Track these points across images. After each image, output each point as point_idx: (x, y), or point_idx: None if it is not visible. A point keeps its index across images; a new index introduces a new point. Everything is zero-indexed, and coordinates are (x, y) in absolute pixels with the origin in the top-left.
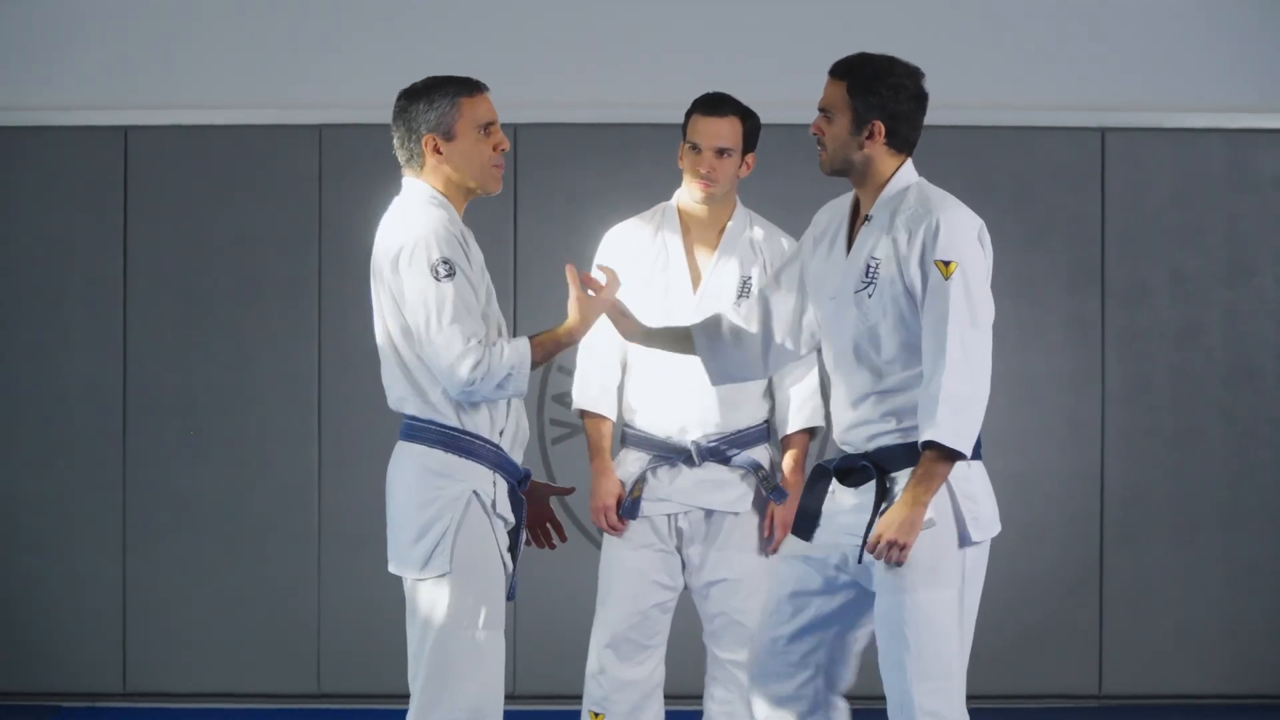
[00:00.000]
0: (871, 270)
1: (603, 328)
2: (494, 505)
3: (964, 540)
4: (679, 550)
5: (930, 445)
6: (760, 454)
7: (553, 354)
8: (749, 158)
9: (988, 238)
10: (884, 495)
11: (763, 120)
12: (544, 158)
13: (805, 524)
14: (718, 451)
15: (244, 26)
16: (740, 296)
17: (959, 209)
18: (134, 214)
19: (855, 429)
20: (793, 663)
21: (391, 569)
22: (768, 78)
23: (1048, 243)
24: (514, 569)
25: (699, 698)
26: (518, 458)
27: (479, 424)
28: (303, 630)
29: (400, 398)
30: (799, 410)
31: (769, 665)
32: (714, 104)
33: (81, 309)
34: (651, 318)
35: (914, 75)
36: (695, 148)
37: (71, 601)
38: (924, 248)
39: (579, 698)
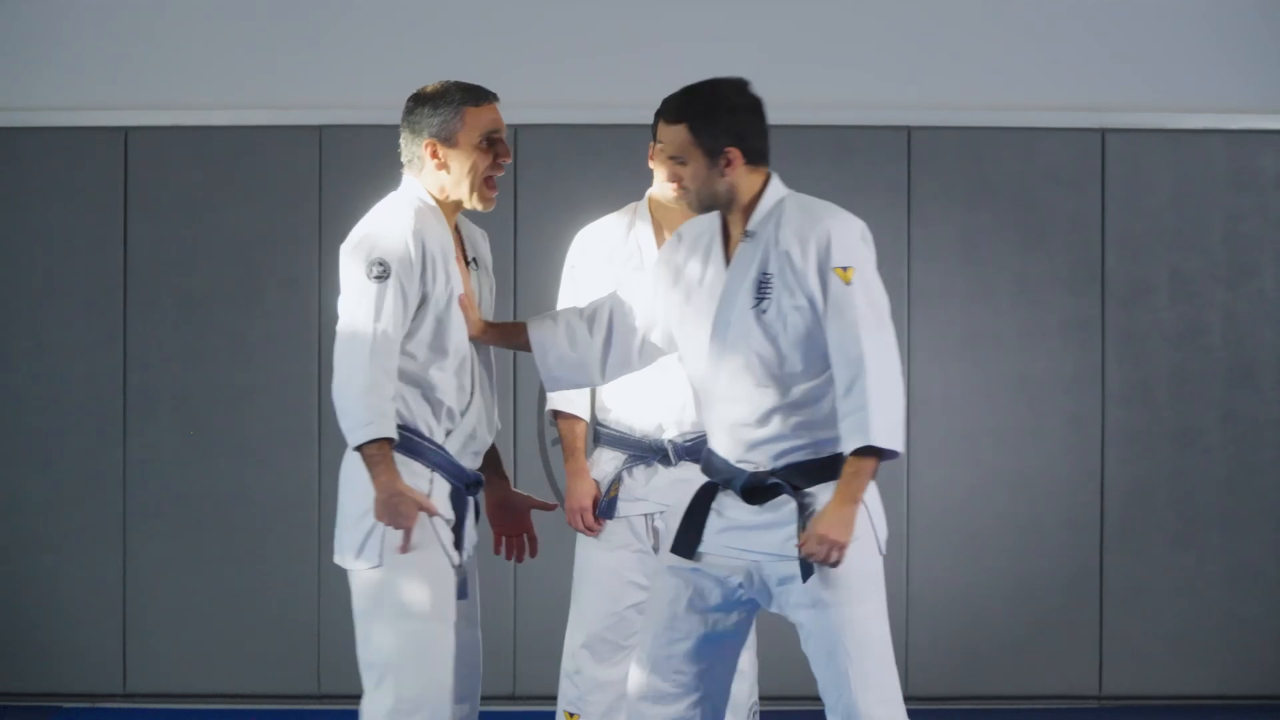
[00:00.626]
0: (764, 286)
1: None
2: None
3: (876, 552)
4: (655, 550)
5: (865, 451)
6: None
7: (372, 469)
8: (667, 163)
9: (870, 237)
10: (803, 511)
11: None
12: (544, 158)
13: (688, 542)
14: (694, 450)
15: (244, 27)
16: None
17: (843, 214)
18: (134, 214)
19: (760, 447)
20: (685, 682)
21: (335, 559)
22: (768, 78)
23: (1048, 243)
24: (462, 565)
25: None
26: (469, 462)
27: (424, 424)
28: (303, 631)
29: None
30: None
31: (661, 685)
32: None
33: (81, 309)
34: None
35: (741, 88)
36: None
37: (71, 602)
38: (820, 257)
39: None
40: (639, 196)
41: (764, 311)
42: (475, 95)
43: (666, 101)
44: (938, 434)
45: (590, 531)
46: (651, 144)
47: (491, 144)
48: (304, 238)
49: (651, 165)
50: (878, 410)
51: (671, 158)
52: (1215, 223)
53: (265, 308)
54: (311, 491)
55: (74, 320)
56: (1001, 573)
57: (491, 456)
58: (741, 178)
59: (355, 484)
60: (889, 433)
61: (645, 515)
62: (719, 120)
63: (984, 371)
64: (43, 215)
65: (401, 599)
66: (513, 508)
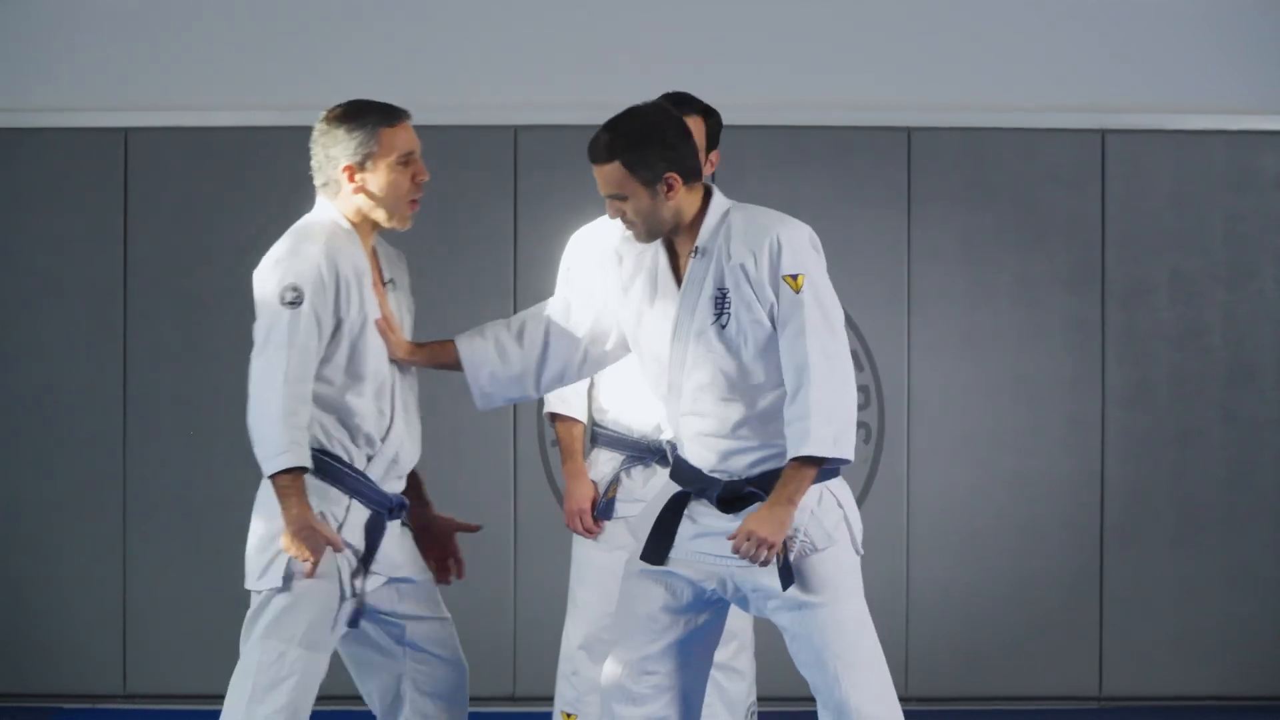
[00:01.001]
0: (722, 302)
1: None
2: (339, 530)
3: (854, 554)
4: None
5: (805, 459)
6: None
7: (283, 497)
8: (713, 155)
9: (819, 243)
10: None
11: (763, 121)
12: (544, 158)
13: (659, 549)
14: None
15: (243, 28)
16: None
17: (791, 222)
18: (134, 215)
19: (734, 457)
20: (659, 683)
21: (245, 584)
22: (767, 79)
23: (1048, 244)
24: (355, 595)
25: None
26: (392, 487)
27: (342, 449)
28: None
29: None
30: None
31: (634, 688)
32: (677, 103)
33: (81, 310)
34: None
35: (663, 113)
36: None
37: (71, 603)
38: (771, 266)
39: None
40: None
41: (724, 327)
42: (390, 116)
43: (593, 143)
44: (938, 434)
45: (589, 533)
46: None
47: (407, 164)
48: None
49: None
50: (820, 419)
51: (612, 196)
52: (1215, 223)
53: None
54: None
55: (74, 320)
56: (1001, 573)
57: (413, 480)
58: (683, 199)
59: (265, 509)
60: (830, 442)
61: None
62: (650, 150)
63: (984, 372)
64: (43, 216)
65: (287, 623)
66: (434, 533)
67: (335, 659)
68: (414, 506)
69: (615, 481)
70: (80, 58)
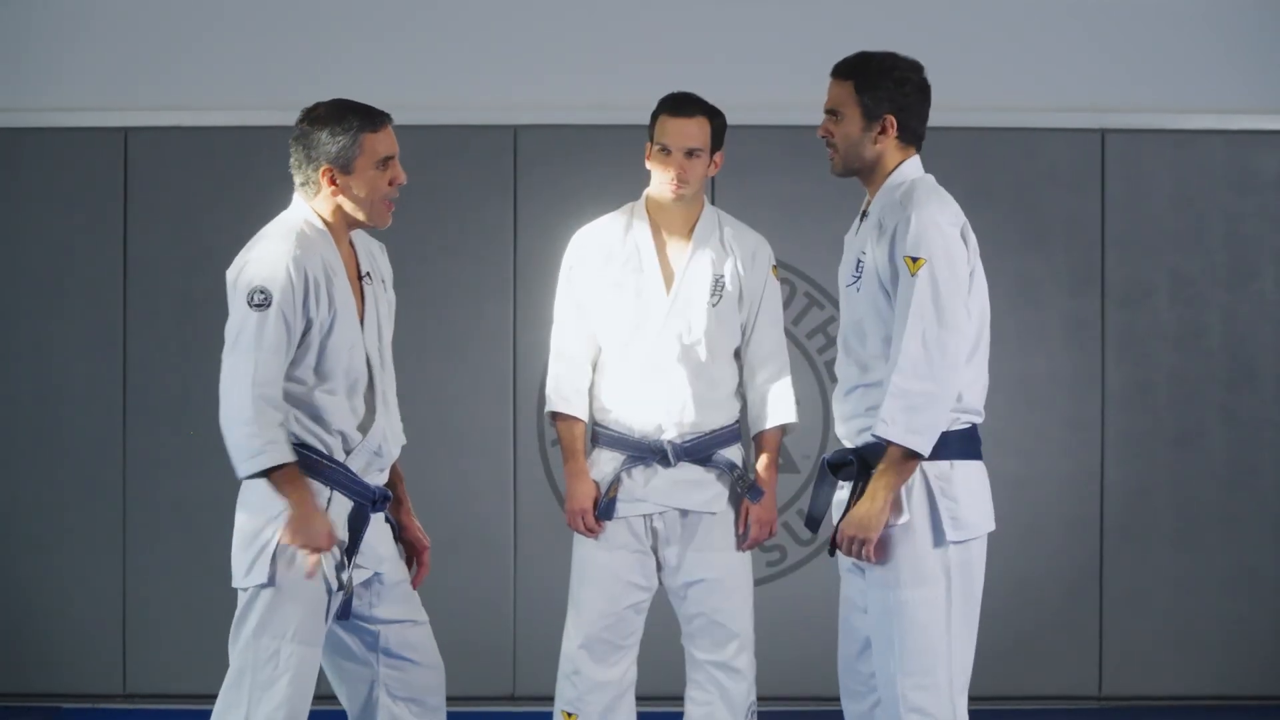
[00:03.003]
0: (860, 264)
1: (572, 331)
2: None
3: (940, 539)
4: (654, 551)
5: (887, 441)
6: (734, 453)
7: (284, 490)
8: (717, 156)
9: (972, 236)
10: (863, 490)
11: (764, 122)
12: (544, 158)
13: (812, 521)
14: (694, 451)
15: (244, 28)
16: (713, 296)
17: (936, 206)
18: (134, 216)
19: (846, 423)
20: (864, 680)
21: (232, 582)
22: (766, 78)
23: (1048, 244)
24: (343, 588)
25: (672, 699)
26: (374, 478)
27: (324, 442)
28: None
29: None
30: (771, 407)
31: (845, 682)
32: (681, 104)
33: (81, 310)
34: (624, 320)
35: (916, 68)
36: (665, 149)
37: (71, 603)
38: (895, 243)
39: None
40: (639, 197)
41: (856, 290)
42: (372, 120)
43: (845, 59)
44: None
45: (590, 533)
46: (647, 144)
47: (386, 167)
48: None
49: (648, 165)
50: (900, 404)
51: (829, 111)
52: (1215, 224)
53: None
54: None
55: (74, 320)
56: (1001, 573)
57: (396, 476)
58: (890, 151)
59: (248, 506)
60: (905, 428)
61: (644, 516)
62: (885, 86)
63: None
64: (42, 216)
65: (277, 619)
66: (410, 539)
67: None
68: (395, 510)
69: (616, 481)
70: (80, 57)
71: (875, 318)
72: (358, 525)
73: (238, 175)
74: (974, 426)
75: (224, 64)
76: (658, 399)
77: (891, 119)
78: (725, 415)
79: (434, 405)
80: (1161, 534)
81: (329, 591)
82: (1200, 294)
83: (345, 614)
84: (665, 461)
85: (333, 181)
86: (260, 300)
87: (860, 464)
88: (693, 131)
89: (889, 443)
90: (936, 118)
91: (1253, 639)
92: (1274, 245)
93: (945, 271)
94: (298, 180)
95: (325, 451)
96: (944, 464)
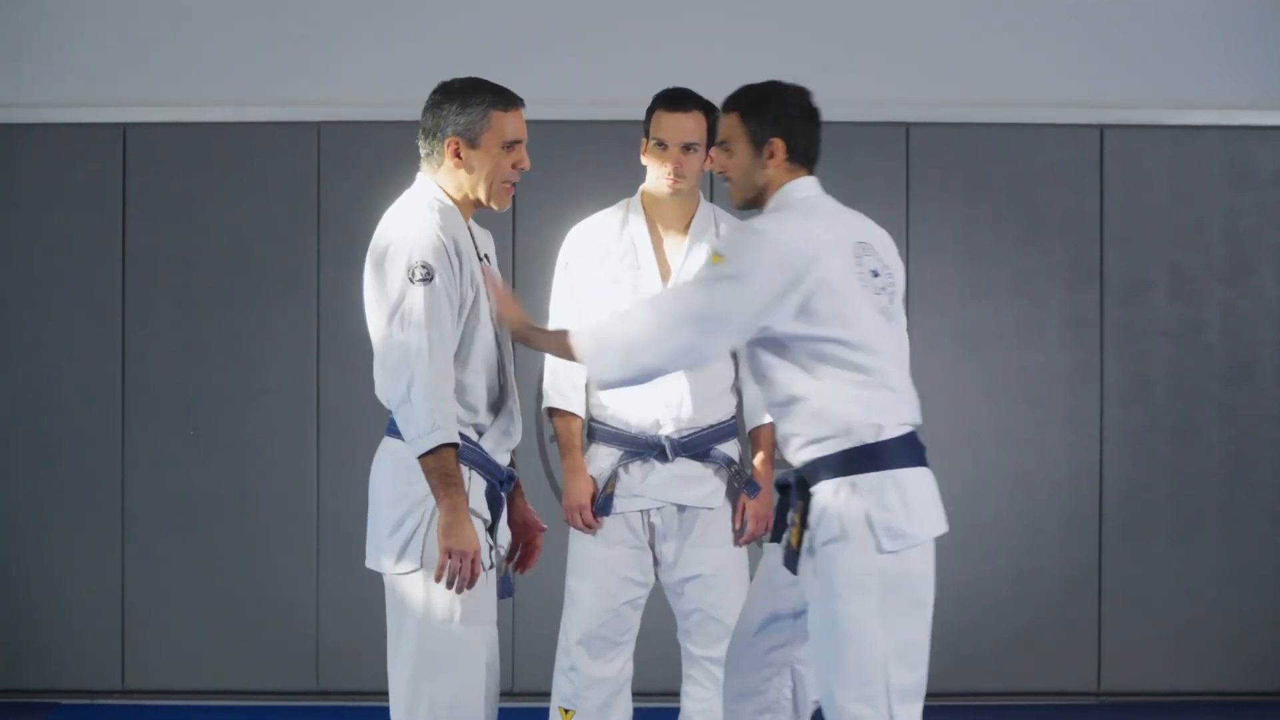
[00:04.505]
0: None
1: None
2: (468, 501)
3: (871, 551)
4: (651, 546)
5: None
6: (731, 448)
7: (437, 482)
8: (713, 151)
9: (822, 255)
10: (805, 507)
11: None
12: (541, 154)
13: (776, 530)
14: (691, 446)
15: (242, 24)
16: None
17: (775, 219)
18: (132, 211)
19: (783, 444)
20: (759, 655)
21: (369, 564)
22: (766, 75)
23: (1046, 240)
24: (503, 566)
25: (668, 694)
26: (502, 459)
27: (464, 423)
28: (301, 627)
29: (382, 391)
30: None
31: (737, 656)
32: (678, 99)
33: (79, 307)
34: None
35: (800, 92)
36: (661, 144)
37: (70, 600)
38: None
39: None
40: (635, 193)
41: None
42: (505, 99)
43: (729, 94)
44: (935, 431)
45: (588, 529)
46: (643, 139)
47: (511, 149)
48: (303, 235)
49: (644, 160)
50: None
51: (719, 144)
52: (1214, 219)
53: (264, 305)
54: (310, 490)
55: (72, 318)
56: (1000, 569)
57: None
58: (780, 175)
59: (392, 486)
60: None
61: (641, 511)
62: (768, 110)
63: (982, 368)
64: (40, 212)
65: (441, 602)
66: (523, 522)
67: (338, 651)
68: (513, 497)
69: (614, 477)
70: (78, 53)
71: (758, 342)
72: (495, 505)
73: (237, 171)
74: (911, 433)
75: (223, 60)
76: (654, 394)
77: (779, 142)
78: (722, 410)
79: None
80: (1160, 529)
81: (485, 569)
82: (1199, 289)
83: (507, 591)
84: (663, 457)
85: (456, 154)
86: (424, 275)
87: (799, 485)
88: (689, 126)
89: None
90: (936, 114)
91: (1251, 635)
92: (1272, 240)
93: (730, 270)
94: (424, 151)
95: (465, 433)
96: (873, 476)
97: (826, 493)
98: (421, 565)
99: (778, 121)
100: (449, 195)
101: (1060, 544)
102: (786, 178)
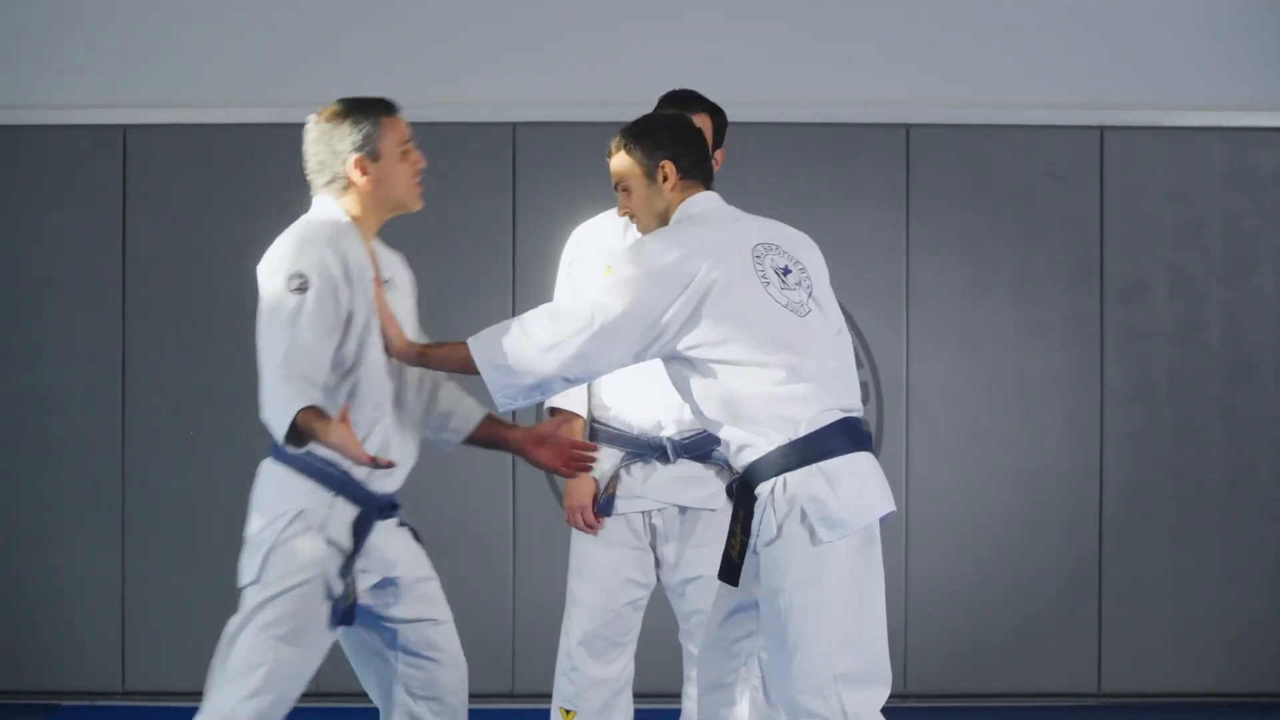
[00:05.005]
0: None
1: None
2: (323, 527)
3: (809, 543)
4: (652, 547)
5: None
6: None
7: (312, 430)
8: (718, 154)
9: (709, 262)
10: (750, 510)
11: (763, 119)
12: (543, 155)
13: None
14: (693, 447)
15: (242, 25)
16: None
17: (656, 237)
18: (132, 213)
19: (725, 452)
20: (725, 647)
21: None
22: (766, 76)
23: (1046, 241)
24: (352, 594)
25: (669, 695)
26: (382, 485)
27: (328, 448)
28: None
29: (263, 410)
30: None
31: (706, 649)
32: (683, 101)
33: (80, 308)
34: None
35: (677, 116)
36: None
37: (70, 600)
38: None
39: None
40: None
41: None
42: (387, 107)
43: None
44: (936, 431)
45: (589, 529)
46: None
47: (408, 152)
48: None
49: None
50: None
51: (618, 187)
52: (1214, 220)
53: None
54: None
55: (72, 317)
56: (1000, 570)
57: (491, 422)
58: (678, 196)
59: (260, 505)
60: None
61: (643, 513)
62: (651, 137)
63: (983, 369)
64: (41, 213)
65: (268, 618)
66: (545, 439)
67: (337, 654)
68: (508, 435)
69: (615, 478)
70: (78, 55)
71: (670, 361)
72: (361, 532)
73: (236, 172)
74: (843, 419)
75: (223, 61)
76: (656, 395)
77: (669, 164)
78: None
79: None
80: (1160, 530)
81: (329, 596)
82: (1199, 290)
83: (347, 620)
84: (664, 458)
85: (364, 171)
86: (299, 284)
87: (742, 489)
88: None
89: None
90: (936, 115)
91: (1252, 635)
92: (1272, 241)
93: (619, 279)
94: (321, 181)
95: (330, 457)
96: (802, 471)
97: (764, 494)
98: (258, 580)
99: (661, 146)
100: (352, 214)
101: (1060, 544)
102: (683, 196)
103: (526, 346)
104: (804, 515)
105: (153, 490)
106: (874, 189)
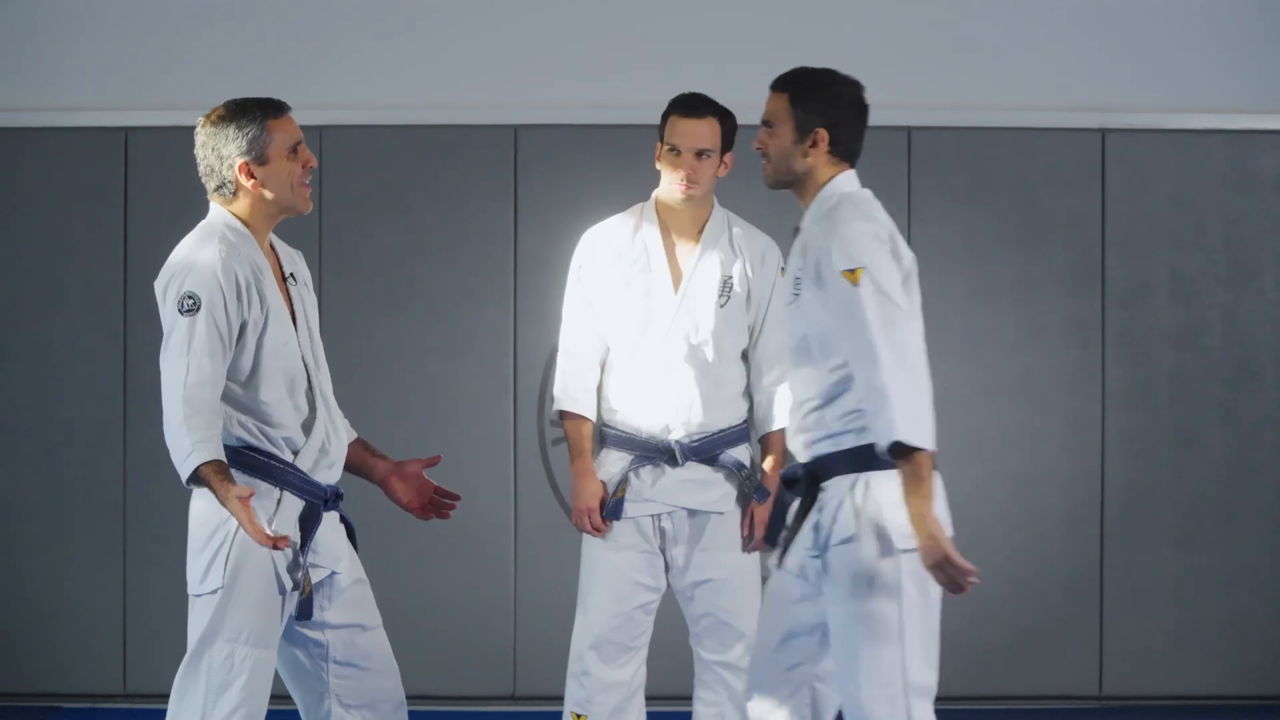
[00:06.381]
0: (798, 283)
1: (581, 329)
2: (271, 522)
3: (889, 549)
4: (662, 551)
5: (895, 449)
6: (741, 453)
7: (213, 486)
8: (727, 157)
9: (901, 243)
10: (812, 503)
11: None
12: (544, 158)
13: (772, 536)
14: (701, 451)
15: (244, 27)
16: (721, 296)
17: (859, 219)
18: (134, 215)
19: (797, 436)
20: (779, 674)
21: (188, 590)
22: (767, 78)
23: (1048, 243)
24: (307, 587)
25: (680, 698)
26: (325, 476)
27: (270, 442)
28: None
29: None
30: (778, 409)
31: (760, 675)
32: (692, 105)
33: (82, 310)
34: (633, 320)
35: (854, 85)
36: (675, 150)
37: (72, 602)
38: (823, 261)
39: None
40: (639, 197)
41: (796, 308)
42: (273, 108)
43: (783, 73)
44: (938, 433)
45: (597, 532)
46: (658, 144)
47: (297, 152)
48: (304, 238)
49: (658, 165)
50: (895, 404)
51: (764, 123)
52: (1215, 223)
53: None
54: None
55: (74, 320)
56: (1001, 572)
57: (360, 446)
58: (821, 165)
59: (198, 514)
60: (909, 427)
61: (652, 516)
62: (819, 99)
63: (984, 371)
64: (43, 215)
65: (230, 622)
66: (409, 476)
67: None
68: (376, 465)
69: (624, 482)
70: (80, 57)
71: (818, 334)
72: (309, 524)
73: None
74: None
75: (224, 64)
76: (665, 399)
77: (823, 132)
78: (732, 415)
79: (434, 405)
80: (1162, 533)
81: (283, 592)
82: (1200, 293)
83: (306, 614)
84: (673, 461)
85: (250, 175)
86: (190, 305)
87: (809, 479)
88: (703, 132)
89: (899, 445)
90: (938, 118)
91: (1253, 638)
92: (1274, 244)
93: (883, 276)
94: (211, 186)
95: (273, 452)
96: (885, 475)
97: (839, 489)
98: (222, 586)
99: (825, 112)
100: (244, 220)
101: (1061, 547)
102: (830, 171)
103: (914, 369)
104: (885, 520)
105: (155, 492)
106: (875, 191)
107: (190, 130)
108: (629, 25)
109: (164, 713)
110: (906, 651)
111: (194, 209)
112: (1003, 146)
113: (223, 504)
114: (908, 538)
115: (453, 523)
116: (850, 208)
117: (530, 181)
